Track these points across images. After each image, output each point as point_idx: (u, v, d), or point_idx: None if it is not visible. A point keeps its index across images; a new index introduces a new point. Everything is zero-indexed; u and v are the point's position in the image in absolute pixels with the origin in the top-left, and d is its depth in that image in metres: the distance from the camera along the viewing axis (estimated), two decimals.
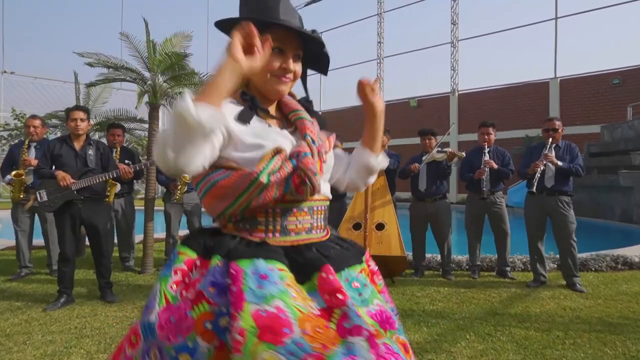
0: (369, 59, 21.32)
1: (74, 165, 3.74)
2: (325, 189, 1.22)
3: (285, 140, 1.14)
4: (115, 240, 5.15)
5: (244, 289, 0.94)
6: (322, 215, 1.21)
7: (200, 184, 1.11)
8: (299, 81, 1.28)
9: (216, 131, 0.98)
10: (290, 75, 1.19)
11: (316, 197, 1.16)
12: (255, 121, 1.13)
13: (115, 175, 3.93)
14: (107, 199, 4.07)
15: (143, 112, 5.96)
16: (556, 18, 15.89)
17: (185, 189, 5.06)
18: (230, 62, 0.97)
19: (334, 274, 1.05)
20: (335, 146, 1.32)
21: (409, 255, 4.90)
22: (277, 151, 1.08)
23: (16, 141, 5.15)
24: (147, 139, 5.62)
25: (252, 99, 1.16)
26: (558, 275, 4.59)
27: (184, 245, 1.11)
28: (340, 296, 1.01)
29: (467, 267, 5.07)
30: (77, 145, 3.82)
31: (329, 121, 1.37)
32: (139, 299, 3.86)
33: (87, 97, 6.68)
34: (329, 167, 1.24)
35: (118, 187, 4.51)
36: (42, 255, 5.16)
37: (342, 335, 0.95)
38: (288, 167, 1.08)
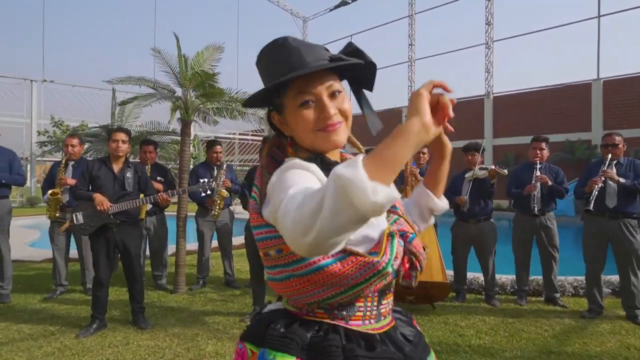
0: (399, 62, 20.94)
1: (112, 188, 3.68)
2: None
3: (381, 219, 0.99)
4: (147, 254, 5.12)
5: None
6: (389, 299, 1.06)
7: (284, 266, 0.93)
8: None
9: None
10: (337, 119, 0.97)
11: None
12: None
13: (153, 201, 3.86)
14: (141, 218, 4.02)
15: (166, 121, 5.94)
16: (599, 16, 15.11)
17: (222, 205, 5.00)
18: (419, 128, 0.73)
19: None
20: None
21: (450, 276, 4.63)
22: (390, 235, 0.95)
23: (57, 159, 5.16)
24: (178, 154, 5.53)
25: (322, 159, 0.99)
26: (614, 303, 4.24)
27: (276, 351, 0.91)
28: None
29: (511, 290, 4.76)
30: (116, 167, 3.76)
31: (358, 126, 1.17)
32: (171, 325, 3.76)
33: (122, 112, 6.73)
34: None
35: (149, 205, 4.47)
36: (77, 270, 5.18)
37: None
38: (401, 251, 0.95)
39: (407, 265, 0.95)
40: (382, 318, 1.00)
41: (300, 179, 0.85)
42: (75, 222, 3.62)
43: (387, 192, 0.65)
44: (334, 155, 1.04)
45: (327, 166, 0.96)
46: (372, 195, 0.64)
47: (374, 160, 0.68)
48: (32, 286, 5.03)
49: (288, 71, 0.93)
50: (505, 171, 4.59)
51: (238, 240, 5.89)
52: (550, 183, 4.33)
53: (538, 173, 4.36)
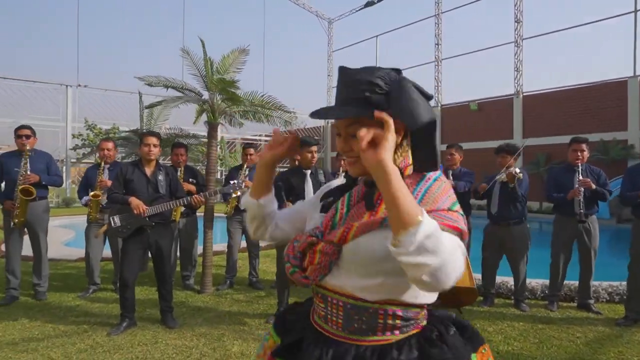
0: (426, 62, 20.69)
1: (146, 191, 3.79)
2: (346, 282, 1.04)
3: (312, 224, 1.16)
4: (177, 255, 5.23)
5: None
6: (341, 312, 1.05)
7: None
8: None
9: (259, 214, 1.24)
10: (348, 155, 1.08)
11: (333, 287, 1.07)
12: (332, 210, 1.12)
13: (186, 202, 3.95)
14: (173, 219, 4.12)
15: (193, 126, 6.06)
16: (636, 11, 14.53)
17: (235, 203, 5.08)
18: (260, 155, 1.20)
19: None
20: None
21: (477, 280, 4.54)
22: (295, 237, 1.12)
23: (91, 162, 5.36)
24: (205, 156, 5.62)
25: (349, 180, 1.17)
26: (612, 309, 4.06)
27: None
28: None
29: (541, 295, 4.63)
30: (148, 170, 3.87)
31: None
32: (198, 325, 3.83)
33: (150, 115, 6.90)
34: (351, 258, 1.03)
35: (182, 207, 4.58)
36: (109, 269, 5.33)
37: None
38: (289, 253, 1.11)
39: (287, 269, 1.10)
40: (322, 320, 1.11)
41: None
42: (112, 225, 3.73)
43: (247, 200, 1.23)
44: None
45: (350, 184, 1.15)
46: (243, 199, 1.27)
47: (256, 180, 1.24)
48: (67, 284, 5.22)
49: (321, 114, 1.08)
50: (521, 175, 4.37)
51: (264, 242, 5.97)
52: (594, 186, 4.17)
53: (581, 177, 4.21)
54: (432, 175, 1.07)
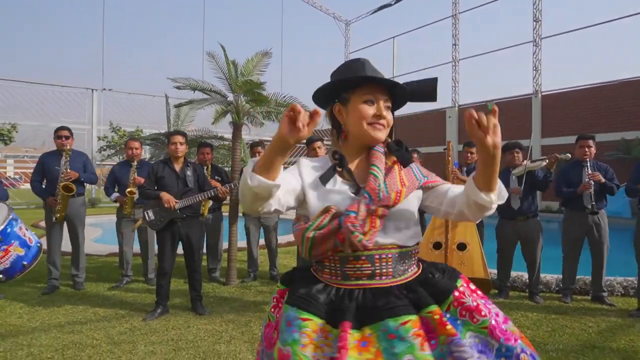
0: (443, 62, 20.71)
1: (176, 186, 4.06)
2: (391, 238, 1.28)
3: (343, 199, 1.28)
4: (204, 251, 5.50)
5: (280, 329, 1.24)
6: (390, 262, 1.28)
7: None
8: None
9: (271, 194, 1.18)
10: (384, 122, 1.33)
11: (380, 245, 1.26)
12: (331, 183, 1.31)
13: (213, 195, 4.22)
14: (202, 214, 4.37)
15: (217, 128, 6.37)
16: None
17: None
18: (278, 136, 1.12)
19: (347, 332, 1.15)
20: (421, 186, 1.37)
21: (492, 272, 4.69)
22: (325, 210, 1.24)
23: (119, 161, 5.68)
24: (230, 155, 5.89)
25: (342, 159, 1.31)
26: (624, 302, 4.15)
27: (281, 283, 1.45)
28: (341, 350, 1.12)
29: (556, 289, 4.75)
30: (177, 166, 4.15)
31: (402, 127, 1.43)
32: (226, 312, 4.08)
33: (177, 116, 7.21)
34: (400, 215, 1.30)
35: (210, 202, 4.85)
36: (137, 263, 5.64)
37: None
38: (334, 224, 1.22)
39: (341, 237, 1.22)
40: (352, 279, 1.27)
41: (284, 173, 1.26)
42: (147, 219, 4.02)
43: (258, 179, 1.13)
44: (357, 156, 1.38)
45: (344, 164, 1.31)
46: (250, 181, 1.13)
47: (258, 160, 1.16)
48: (101, 276, 5.55)
49: (363, 72, 1.32)
50: (569, 155, 4.54)
51: (283, 239, 6.20)
52: (603, 180, 4.30)
53: (590, 171, 4.34)
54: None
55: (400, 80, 1.41)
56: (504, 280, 4.68)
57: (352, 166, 1.35)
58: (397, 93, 1.37)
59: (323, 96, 1.38)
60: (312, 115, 1.11)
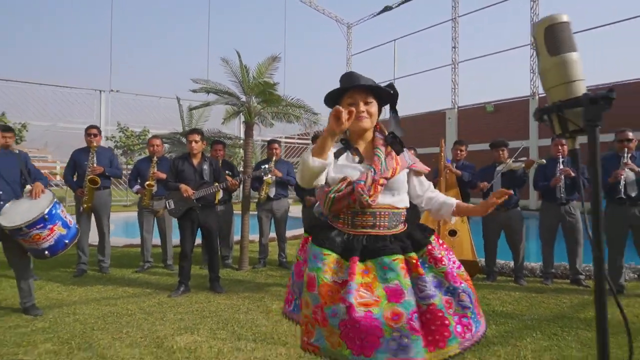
0: (443, 65, 21.18)
1: (194, 179, 4.56)
2: (388, 200, 1.79)
3: (355, 172, 1.77)
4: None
5: (308, 260, 1.76)
6: (386, 218, 1.78)
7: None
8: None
9: (324, 170, 1.66)
10: (364, 114, 1.80)
11: (380, 205, 1.76)
12: (343, 158, 1.82)
13: (225, 186, 4.71)
14: (216, 204, 4.86)
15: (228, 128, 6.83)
16: None
17: (271, 192, 5.79)
18: (329, 129, 1.58)
19: (356, 263, 1.67)
20: (408, 167, 1.88)
21: (481, 261, 5.17)
22: (342, 179, 1.75)
23: (141, 157, 6.19)
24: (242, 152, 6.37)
25: (346, 142, 1.86)
26: (638, 286, 4.61)
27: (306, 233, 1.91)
28: (351, 274, 1.65)
29: (540, 274, 5.22)
30: (195, 161, 4.65)
31: (403, 128, 1.90)
32: (241, 291, 4.57)
33: (190, 117, 7.70)
34: (394, 185, 1.80)
35: (221, 193, 5.35)
36: (155, 252, 6.12)
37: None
38: (349, 189, 1.73)
39: (354, 197, 1.72)
40: (359, 227, 1.77)
41: None
42: (168, 207, 4.51)
43: (318, 160, 1.60)
44: (358, 141, 1.87)
45: (349, 145, 1.84)
46: (311, 162, 1.60)
47: (314, 147, 1.62)
48: (122, 264, 6.03)
49: (350, 83, 1.80)
50: (543, 160, 5.04)
51: (290, 233, 6.67)
52: (573, 174, 4.78)
53: (561, 167, 4.83)
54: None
55: (402, 81, 1.95)
56: (491, 265, 5.16)
57: (361, 148, 1.85)
58: (380, 91, 1.83)
59: (330, 102, 1.87)
60: (350, 113, 1.57)
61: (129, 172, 6.12)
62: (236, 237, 6.19)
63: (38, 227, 3.48)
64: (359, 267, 1.67)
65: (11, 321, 3.58)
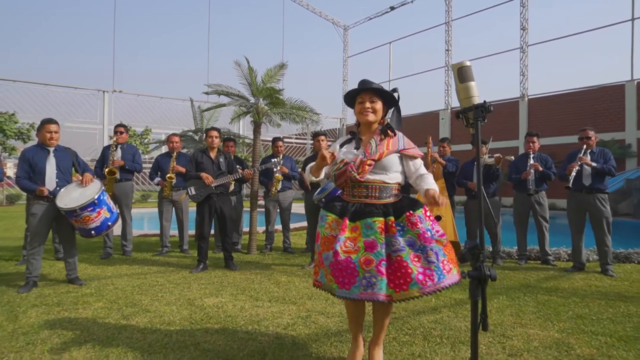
0: (437, 67, 21.91)
1: (211, 170, 5.22)
2: (378, 177, 2.39)
3: (351, 155, 2.40)
4: None
5: (318, 220, 2.41)
6: (377, 191, 2.38)
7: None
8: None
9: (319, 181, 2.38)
10: (369, 109, 2.42)
11: (370, 179, 2.37)
12: (348, 145, 2.45)
13: (240, 176, 5.38)
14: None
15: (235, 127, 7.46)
16: (633, 19, 15.56)
17: (280, 186, 6.45)
18: (318, 161, 2.38)
19: (346, 222, 2.30)
20: (401, 152, 2.45)
21: (463, 245, 5.83)
22: (341, 160, 2.41)
23: (162, 152, 6.83)
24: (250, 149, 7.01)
25: (354, 134, 2.49)
26: (598, 265, 5.30)
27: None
28: (341, 230, 2.29)
29: (516, 257, 5.90)
30: (213, 155, 5.31)
31: (414, 129, 2.52)
32: (253, 269, 5.23)
33: (201, 117, 8.37)
34: (384, 165, 2.39)
35: (233, 185, 6.01)
36: (171, 240, 6.76)
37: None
38: (344, 168, 2.38)
39: (347, 175, 2.36)
40: (357, 197, 2.39)
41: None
42: (189, 194, 5.17)
43: (315, 177, 2.50)
44: (365, 132, 2.47)
45: (355, 136, 2.44)
46: (311, 178, 2.52)
47: (313, 167, 2.48)
48: (141, 249, 6.67)
49: (360, 87, 2.44)
50: (512, 157, 5.73)
51: (292, 225, 7.35)
52: (541, 169, 5.47)
53: (532, 162, 5.52)
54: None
55: (397, 83, 2.62)
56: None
57: (365, 138, 2.46)
58: (385, 94, 2.45)
59: (347, 99, 2.52)
60: (333, 156, 2.37)
61: None
62: (244, 229, 6.87)
63: (89, 209, 4.12)
64: (349, 225, 2.31)
65: (62, 289, 4.23)
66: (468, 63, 1.50)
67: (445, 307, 3.67)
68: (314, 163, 2.43)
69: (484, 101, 1.47)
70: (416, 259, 2.21)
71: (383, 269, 2.17)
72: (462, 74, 1.49)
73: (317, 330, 3.09)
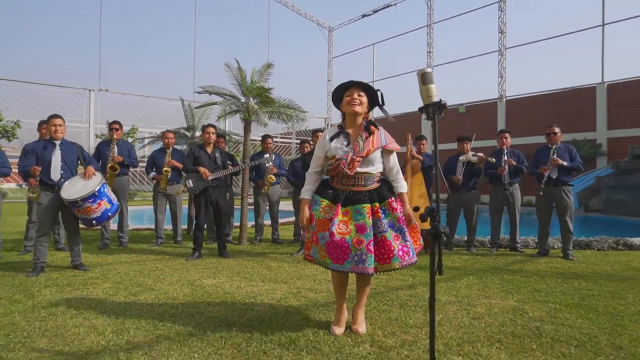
0: (418, 68, 22.45)
1: (208, 163, 5.58)
2: (364, 169, 2.76)
3: (341, 152, 2.78)
4: None
5: (312, 205, 2.83)
6: (363, 181, 2.78)
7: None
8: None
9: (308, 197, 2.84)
10: (357, 101, 2.80)
11: (358, 171, 2.75)
12: (336, 140, 2.81)
13: (237, 170, 5.76)
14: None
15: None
16: (603, 25, 16.36)
17: (271, 187, 6.85)
18: (301, 217, 2.81)
19: (339, 208, 2.70)
20: (383, 148, 2.83)
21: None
22: (333, 157, 2.77)
23: (157, 148, 7.16)
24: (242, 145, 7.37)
25: (341, 127, 2.86)
26: (561, 251, 5.82)
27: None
28: (335, 214, 2.69)
29: (489, 245, 6.40)
30: (209, 149, 5.68)
31: (385, 126, 2.90)
32: (245, 256, 5.61)
33: (192, 115, 8.69)
34: (369, 160, 2.77)
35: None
36: (168, 233, 7.08)
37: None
38: (336, 164, 2.76)
39: (339, 169, 2.73)
40: (346, 185, 2.76)
41: (318, 145, 2.90)
42: (187, 186, 5.52)
43: (302, 195, 2.93)
44: (352, 126, 2.84)
45: (343, 131, 2.82)
46: (302, 195, 2.93)
47: (305, 193, 2.91)
48: (136, 241, 6.97)
49: (347, 84, 2.83)
50: (493, 159, 6.20)
51: (280, 220, 7.75)
52: (514, 164, 5.98)
53: (505, 157, 6.02)
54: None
55: (380, 84, 3.00)
56: (450, 237, 6.32)
57: (351, 131, 2.83)
58: (370, 89, 2.84)
59: (335, 99, 2.90)
60: (311, 221, 2.79)
61: None
62: (235, 223, 7.23)
63: (90, 201, 4.45)
64: (341, 210, 2.72)
65: (68, 273, 4.55)
66: (429, 70, 1.92)
67: (420, 284, 4.12)
68: (312, 173, 2.91)
69: (440, 99, 1.89)
70: (396, 238, 2.68)
71: (372, 248, 2.62)
72: (424, 78, 1.91)
73: (307, 302, 3.50)
